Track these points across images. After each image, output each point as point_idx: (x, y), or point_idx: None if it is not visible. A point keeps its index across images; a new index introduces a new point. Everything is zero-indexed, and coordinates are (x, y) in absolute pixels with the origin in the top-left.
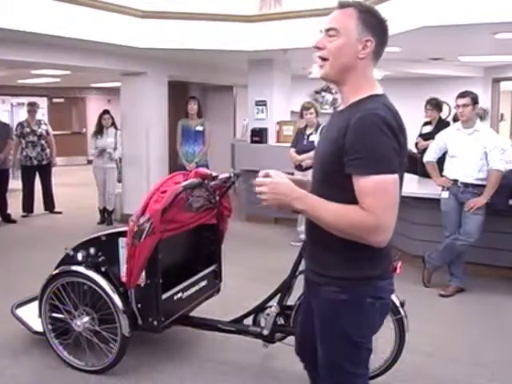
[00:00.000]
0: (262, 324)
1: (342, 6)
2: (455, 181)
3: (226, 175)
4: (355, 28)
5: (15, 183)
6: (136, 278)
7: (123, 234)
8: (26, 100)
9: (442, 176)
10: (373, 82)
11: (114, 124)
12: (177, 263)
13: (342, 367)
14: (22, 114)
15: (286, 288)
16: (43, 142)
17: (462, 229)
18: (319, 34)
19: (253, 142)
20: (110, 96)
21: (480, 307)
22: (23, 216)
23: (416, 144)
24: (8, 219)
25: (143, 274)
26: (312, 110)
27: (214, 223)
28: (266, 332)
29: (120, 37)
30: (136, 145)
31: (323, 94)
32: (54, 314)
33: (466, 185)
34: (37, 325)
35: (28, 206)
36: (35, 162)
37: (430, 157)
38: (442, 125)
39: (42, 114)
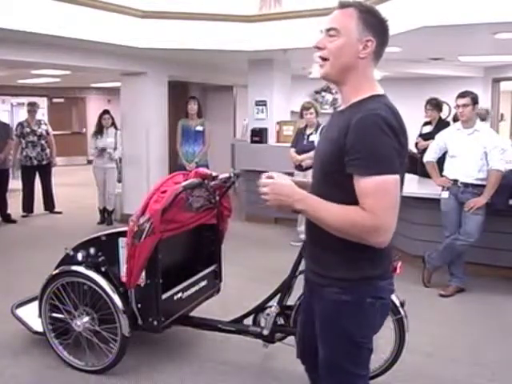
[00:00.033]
0: (262, 324)
1: (342, 5)
2: (455, 181)
3: (226, 175)
4: (356, 28)
5: (15, 183)
6: (136, 278)
7: (123, 233)
8: (26, 100)
9: (442, 176)
10: (373, 82)
11: (114, 124)
12: (177, 263)
13: (343, 367)
14: (22, 114)
15: (286, 288)
16: (43, 142)
17: (462, 229)
18: (319, 34)
19: (253, 141)
20: (110, 96)
21: (480, 307)
22: (23, 216)
23: (416, 144)
24: (8, 219)
25: (143, 273)
26: (312, 110)
27: (213, 223)
28: (266, 332)
29: (120, 37)
30: (136, 145)
31: (323, 93)
32: (54, 314)
33: (466, 185)
34: (37, 325)
35: (28, 206)
36: (35, 162)
37: (429, 157)
38: (441, 125)
39: (42, 114)
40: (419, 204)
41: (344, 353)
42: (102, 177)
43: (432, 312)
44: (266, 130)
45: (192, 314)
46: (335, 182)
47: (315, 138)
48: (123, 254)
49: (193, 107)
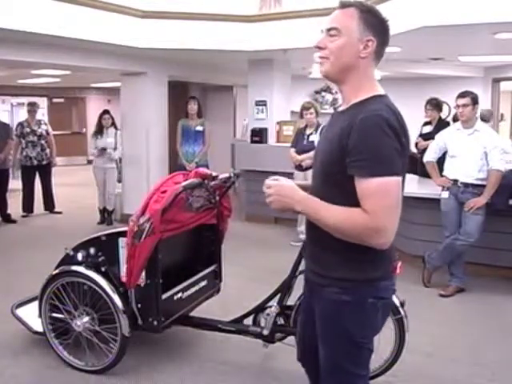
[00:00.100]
0: (262, 324)
1: (343, 5)
2: (455, 181)
3: (226, 175)
4: (356, 28)
5: (15, 183)
6: (136, 278)
7: (123, 234)
8: (26, 100)
9: (442, 176)
10: (374, 82)
11: (114, 124)
12: (177, 263)
13: (344, 368)
14: (22, 114)
15: (286, 288)
16: (43, 141)
17: (462, 229)
18: (320, 34)
19: (253, 141)
20: (110, 96)
21: (480, 307)
22: (23, 216)
23: (416, 144)
24: (8, 219)
25: (143, 273)
26: (312, 110)
27: (213, 223)
28: (266, 332)
29: (120, 37)
30: (136, 145)
31: (323, 93)
32: (54, 314)
33: (466, 185)
34: (37, 325)
35: (28, 206)
36: (35, 162)
37: (429, 157)
38: (441, 125)
39: (42, 114)
40: (419, 204)
41: (344, 353)
42: (102, 177)
43: (432, 312)
44: (266, 130)
45: (192, 314)
46: (335, 183)
47: (315, 137)
48: (123, 253)
49: (193, 107)
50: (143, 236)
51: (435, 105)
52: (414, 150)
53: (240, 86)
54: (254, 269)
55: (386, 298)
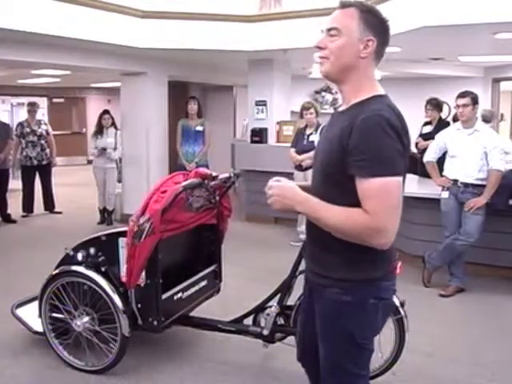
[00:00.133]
0: (262, 324)
1: (343, 5)
2: (455, 181)
3: (226, 175)
4: (357, 28)
5: (15, 183)
6: (136, 278)
7: (123, 234)
8: (26, 100)
9: (442, 176)
10: (374, 82)
11: (114, 124)
12: (177, 263)
13: (345, 368)
14: (22, 114)
15: (286, 288)
16: (43, 141)
17: (462, 229)
18: (320, 34)
19: (253, 142)
20: (110, 96)
21: (480, 307)
22: (23, 216)
23: (416, 144)
24: (8, 219)
25: (143, 273)
26: (312, 110)
27: (213, 223)
28: (266, 332)
29: (120, 37)
30: (136, 145)
31: (323, 93)
32: (54, 314)
33: (466, 185)
34: (37, 325)
35: (28, 206)
36: (35, 162)
37: (429, 157)
38: (442, 125)
39: (42, 114)
40: (419, 204)
41: (344, 353)
42: (102, 177)
43: (432, 312)
44: (266, 130)
45: (192, 314)
46: (335, 183)
47: (315, 137)
48: (123, 254)
49: (193, 107)
50: (143, 236)
51: (435, 105)
52: (414, 149)
53: (240, 86)
54: (254, 269)
55: (386, 298)
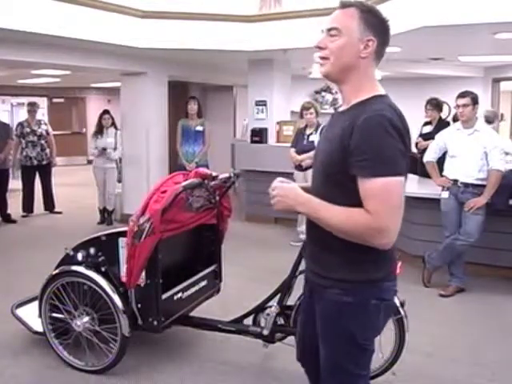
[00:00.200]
0: (262, 324)
1: (343, 5)
2: (455, 181)
3: (226, 175)
4: (357, 28)
5: (15, 183)
6: (136, 278)
7: (123, 234)
8: (26, 100)
9: (442, 176)
10: (375, 82)
11: (114, 124)
12: (177, 263)
13: (346, 369)
14: (22, 114)
15: (286, 288)
16: (43, 141)
17: (462, 229)
18: (320, 34)
19: (253, 141)
20: (110, 96)
21: (480, 307)
22: (23, 216)
23: (416, 144)
24: (8, 219)
25: (143, 273)
26: (312, 110)
27: (213, 223)
28: (266, 332)
29: (120, 37)
30: (136, 145)
31: (323, 93)
32: (54, 314)
33: (466, 185)
34: (37, 325)
35: (28, 206)
36: (35, 162)
37: (429, 157)
38: (442, 125)
39: (42, 114)
40: (419, 204)
41: (345, 353)
42: (102, 177)
43: (432, 312)
44: (266, 130)
45: (192, 313)
46: (336, 183)
47: (315, 138)
48: (123, 254)
49: (193, 107)
50: (143, 236)
51: (435, 105)
52: (414, 149)
53: (240, 86)
54: (254, 269)
55: (388, 299)
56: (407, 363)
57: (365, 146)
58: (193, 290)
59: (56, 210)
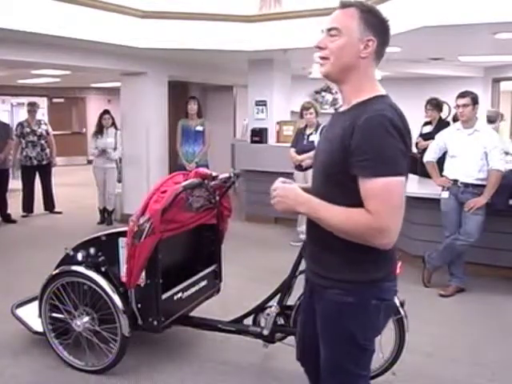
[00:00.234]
0: (262, 324)
1: (343, 5)
2: (455, 181)
3: (226, 175)
4: (357, 28)
5: (15, 183)
6: (136, 278)
7: (123, 234)
8: (26, 100)
9: (442, 176)
10: (375, 82)
11: (114, 124)
12: (177, 263)
13: (346, 369)
14: (22, 114)
15: (286, 288)
16: (43, 141)
17: (462, 229)
18: (320, 34)
19: (253, 141)
20: (110, 96)
21: (480, 307)
22: (23, 216)
23: (416, 144)
24: (8, 219)
25: (143, 273)
26: (312, 110)
27: (213, 223)
28: (266, 332)
29: (120, 37)
30: (136, 145)
31: (323, 93)
32: (54, 314)
33: (466, 185)
34: (37, 325)
35: (28, 206)
36: (35, 162)
37: (429, 157)
38: (442, 125)
39: (42, 114)
40: (419, 204)
41: (346, 354)
42: (102, 177)
43: (432, 312)
44: (266, 130)
45: (192, 314)
46: (336, 183)
47: (315, 138)
48: (123, 254)
49: (193, 107)
50: (143, 236)
51: (435, 105)
52: (414, 149)
53: (240, 86)
54: (254, 269)
55: (388, 299)
56: (407, 363)
57: (366, 145)
58: (193, 290)
59: (56, 210)
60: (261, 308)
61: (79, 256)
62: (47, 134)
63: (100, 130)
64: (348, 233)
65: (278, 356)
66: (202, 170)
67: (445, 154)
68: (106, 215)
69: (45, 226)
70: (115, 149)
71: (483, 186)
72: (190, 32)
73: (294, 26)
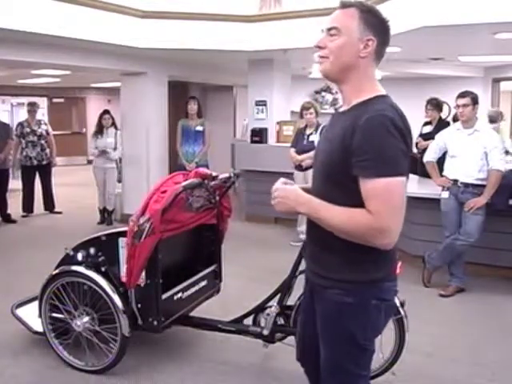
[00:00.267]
0: (262, 324)
1: (343, 5)
2: (455, 181)
3: (226, 175)
4: (357, 27)
5: (15, 183)
6: (136, 278)
7: (123, 234)
8: (26, 100)
9: (442, 176)
10: (375, 82)
11: (114, 124)
12: (177, 263)
13: (346, 369)
14: (22, 114)
15: (286, 288)
16: (43, 141)
17: (462, 229)
18: (320, 34)
19: (253, 142)
20: (110, 96)
21: (480, 307)
22: (23, 216)
23: (416, 144)
24: (8, 219)
25: (143, 273)
26: (312, 110)
27: (213, 223)
28: (266, 332)
29: (120, 37)
30: (136, 145)
31: (323, 93)
32: (54, 314)
33: (466, 185)
34: (37, 325)
35: (28, 206)
36: (35, 162)
37: (429, 157)
38: (442, 125)
39: (42, 114)
40: (419, 204)
41: (346, 354)
42: (102, 177)
43: (432, 312)
44: (266, 130)
45: (192, 313)
46: (337, 183)
47: (315, 138)
48: (123, 254)
49: (193, 107)
50: (143, 236)
51: (435, 105)
52: (414, 150)
53: (240, 86)
54: (254, 269)
55: (388, 299)
56: (407, 363)
57: (367, 146)
58: (193, 290)
59: (56, 209)
60: (261, 308)
61: (79, 256)
62: (47, 133)
63: (100, 130)
64: (349, 233)
65: (278, 356)
66: (202, 170)
67: (445, 153)
68: (106, 215)
69: (45, 225)
70: (115, 149)
71: (483, 186)
72: (190, 32)
73: (294, 26)
